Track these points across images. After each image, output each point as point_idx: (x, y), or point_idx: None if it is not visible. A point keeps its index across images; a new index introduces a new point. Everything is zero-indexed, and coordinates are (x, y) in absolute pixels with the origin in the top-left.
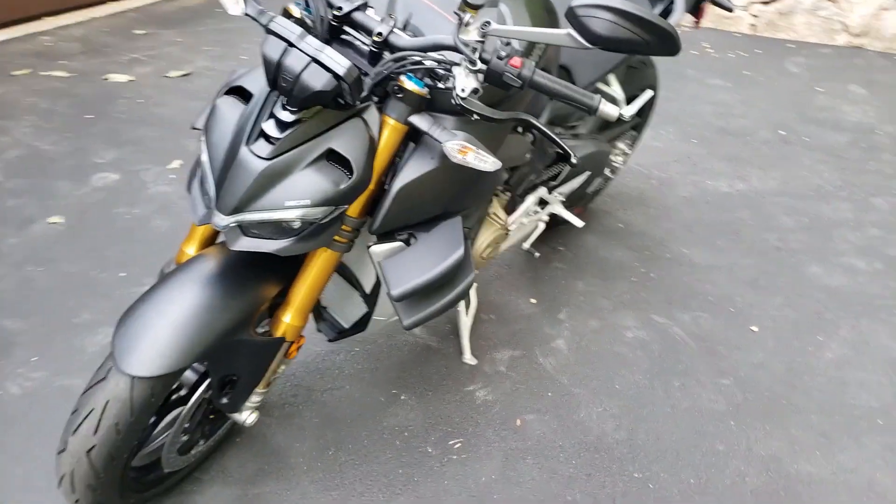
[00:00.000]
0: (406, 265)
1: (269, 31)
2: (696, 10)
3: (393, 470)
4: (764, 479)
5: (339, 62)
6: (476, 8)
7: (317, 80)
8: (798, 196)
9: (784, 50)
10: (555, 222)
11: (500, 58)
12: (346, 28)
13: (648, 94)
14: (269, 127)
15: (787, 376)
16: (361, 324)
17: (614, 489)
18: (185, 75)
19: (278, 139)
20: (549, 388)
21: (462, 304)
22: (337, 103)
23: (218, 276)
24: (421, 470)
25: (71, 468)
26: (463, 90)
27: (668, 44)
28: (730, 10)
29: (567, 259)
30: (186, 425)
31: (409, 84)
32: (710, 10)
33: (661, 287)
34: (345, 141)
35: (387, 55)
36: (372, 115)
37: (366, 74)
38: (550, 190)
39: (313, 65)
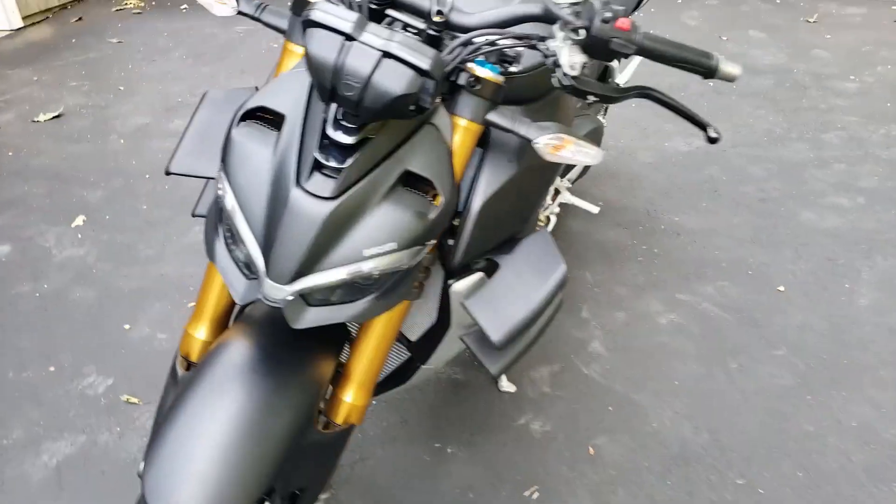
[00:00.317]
0: (498, 300)
1: (312, 24)
2: None
3: None
4: (867, 453)
5: (421, 52)
6: None
7: (396, 80)
8: (754, 144)
9: (675, 5)
10: None
11: (604, 21)
12: (390, 12)
13: (637, 59)
14: (326, 155)
15: (834, 333)
16: (402, 376)
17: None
18: (56, 117)
19: (341, 169)
20: (607, 400)
21: None
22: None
23: (261, 367)
24: None
25: None
26: (572, 66)
27: None
28: None
29: (562, 251)
30: None
31: (483, 72)
32: None
33: (669, 262)
34: (423, 158)
35: (448, 39)
36: (442, 117)
37: None
38: (561, 177)
39: (387, 60)
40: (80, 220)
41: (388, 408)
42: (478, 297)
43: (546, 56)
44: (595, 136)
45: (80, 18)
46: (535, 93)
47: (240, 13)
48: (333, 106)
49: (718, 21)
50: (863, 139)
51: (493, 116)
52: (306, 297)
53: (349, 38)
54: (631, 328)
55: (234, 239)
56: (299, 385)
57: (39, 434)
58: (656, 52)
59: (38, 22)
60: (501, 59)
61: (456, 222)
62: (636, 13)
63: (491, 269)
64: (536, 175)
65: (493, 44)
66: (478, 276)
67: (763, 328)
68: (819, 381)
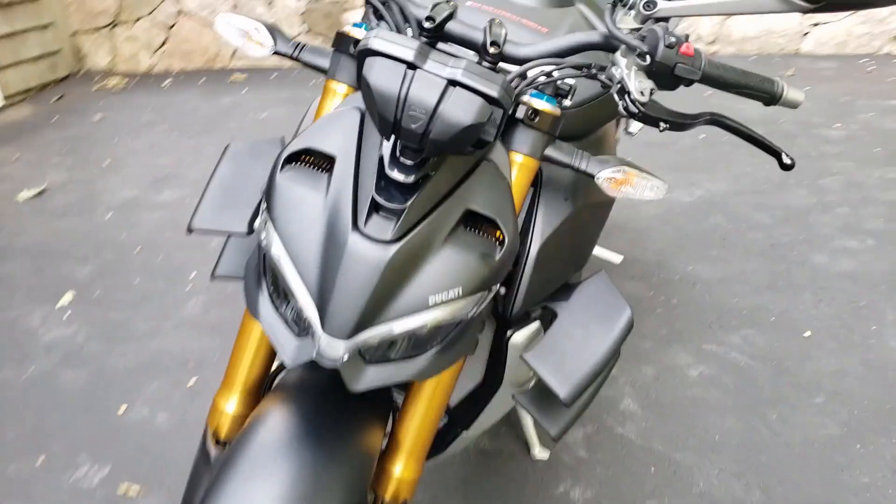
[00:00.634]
0: (561, 352)
1: (370, 53)
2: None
3: None
4: None
5: (489, 79)
6: None
7: (466, 109)
8: (755, 191)
9: None
10: None
11: (668, 46)
12: (441, 46)
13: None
14: (385, 195)
15: (871, 377)
16: (440, 444)
17: None
18: (39, 194)
19: (402, 210)
20: (648, 461)
21: None
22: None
23: (305, 442)
24: None
25: None
26: (642, 92)
27: None
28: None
29: None
30: None
31: (540, 104)
32: None
33: (689, 312)
34: (484, 197)
35: (503, 74)
36: (499, 154)
37: None
38: None
39: (455, 89)
40: (68, 298)
41: None
42: (538, 349)
43: (609, 84)
44: None
45: (60, 97)
46: (586, 128)
47: (277, 53)
48: (388, 144)
49: None
50: (860, 183)
51: (551, 151)
52: (363, 355)
53: (412, 66)
54: (661, 383)
55: (280, 293)
56: (349, 461)
57: None
58: (720, 80)
59: (19, 102)
60: (556, 92)
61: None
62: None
63: (547, 319)
64: (591, 214)
65: (550, 74)
66: (535, 325)
67: (797, 376)
68: (866, 429)
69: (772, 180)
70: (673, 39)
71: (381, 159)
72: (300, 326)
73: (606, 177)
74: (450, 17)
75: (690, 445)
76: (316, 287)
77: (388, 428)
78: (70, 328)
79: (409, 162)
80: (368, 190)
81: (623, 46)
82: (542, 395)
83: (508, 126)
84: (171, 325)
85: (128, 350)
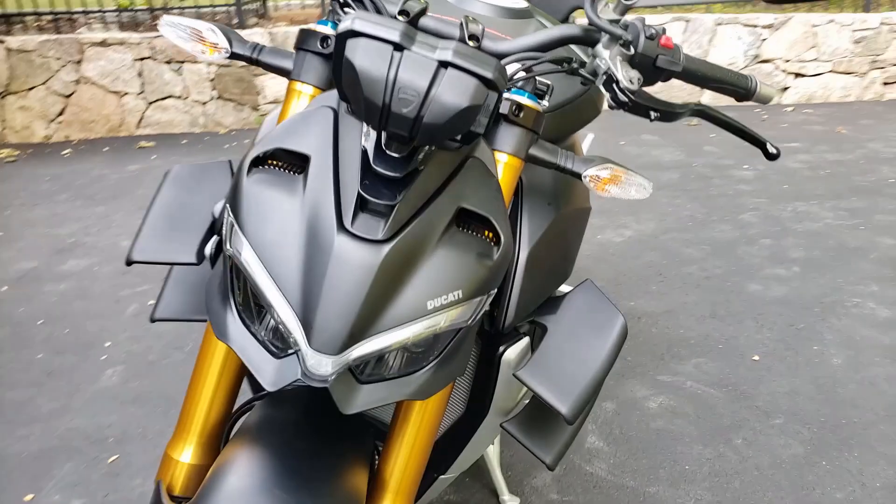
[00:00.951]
0: (556, 367)
1: (353, 34)
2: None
3: None
4: None
5: (482, 60)
6: None
7: (461, 91)
8: (682, 229)
9: None
10: None
11: (649, 37)
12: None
13: (591, 135)
14: (372, 191)
15: (823, 395)
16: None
17: None
18: None
19: (392, 206)
20: (622, 498)
21: None
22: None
23: (284, 490)
24: None
25: None
26: (631, 81)
27: None
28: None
29: None
30: None
31: (523, 100)
32: None
33: (640, 346)
34: (476, 195)
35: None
36: (485, 152)
37: None
38: None
39: (447, 70)
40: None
41: None
42: (531, 366)
43: (591, 79)
44: None
45: None
46: (558, 134)
47: (234, 56)
48: (371, 138)
49: (612, 130)
50: (776, 217)
51: (535, 150)
52: (355, 374)
53: (398, 47)
54: (622, 417)
55: (250, 311)
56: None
57: None
58: (699, 73)
59: None
60: (535, 90)
61: None
62: None
63: (535, 334)
64: (574, 220)
65: (529, 70)
66: (525, 341)
67: (753, 399)
68: (828, 445)
69: (695, 218)
70: (653, 31)
71: (363, 155)
72: (279, 345)
73: (592, 175)
74: (423, 12)
75: (662, 477)
76: (298, 298)
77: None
78: None
79: (396, 155)
80: (352, 187)
81: (605, 38)
82: (531, 421)
83: (491, 124)
84: (84, 401)
85: (32, 432)
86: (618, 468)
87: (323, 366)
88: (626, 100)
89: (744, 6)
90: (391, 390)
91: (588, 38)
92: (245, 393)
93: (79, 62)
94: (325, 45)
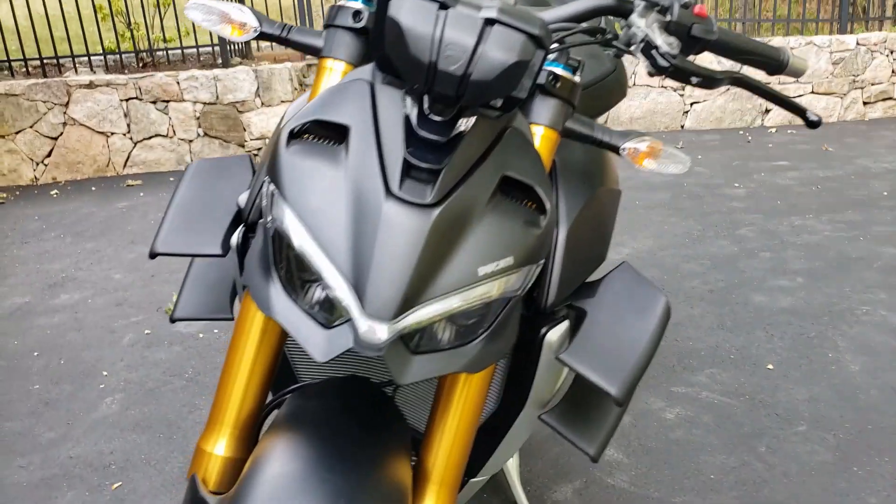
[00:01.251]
0: (600, 349)
1: None
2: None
3: None
4: None
5: (527, 17)
6: None
7: (509, 47)
8: (679, 245)
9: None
10: None
11: (683, 6)
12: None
13: None
14: (418, 155)
15: (844, 401)
16: None
17: None
18: None
19: (439, 170)
20: None
21: None
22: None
23: (328, 483)
24: None
25: None
26: (671, 45)
27: None
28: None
29: None
30: None
31: (559, 71)
32: None
33: None
34: (519, 163)
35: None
36: (523, 124)
37: None
38: None
39: (495, 27)
40: None
41: None
42: (574, 349)
43: (625, 50)
44: None
45: None
46: (587, 115)
47: (262, 36)
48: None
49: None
50: (773, 231)
51: (571, 124)
52: (408, 345)
53: (443, 6)
54: (640, 429)
55: (294, 283)
56: (382, 499)
57: None
58: (732, 45)
59: None
60: (568, 64)
61: None
62: None
63: (575, 319)
64: (607, 201)
65: (562, 41)
66: (566, 324)
67: (773, 407)
68: (857, 451)
69: (692, 235)
70: (686, 0)
71: (406, 121)
72: (326, 316)
73: (630, 148)
74: None
75: (687, 487)
76: (348, 264)
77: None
78: None
79: (440, 118)
80: (396, 153)
81: (640, 7)
82: (571, 411)
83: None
84: (83, 429)
85: (32, 461)
86: (640, 479)
87: (377, 333)
88: (667, 65)
89: None
90: (444, 361)
91: (621, 9)
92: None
93: (66, 104)
94: (357, 19)
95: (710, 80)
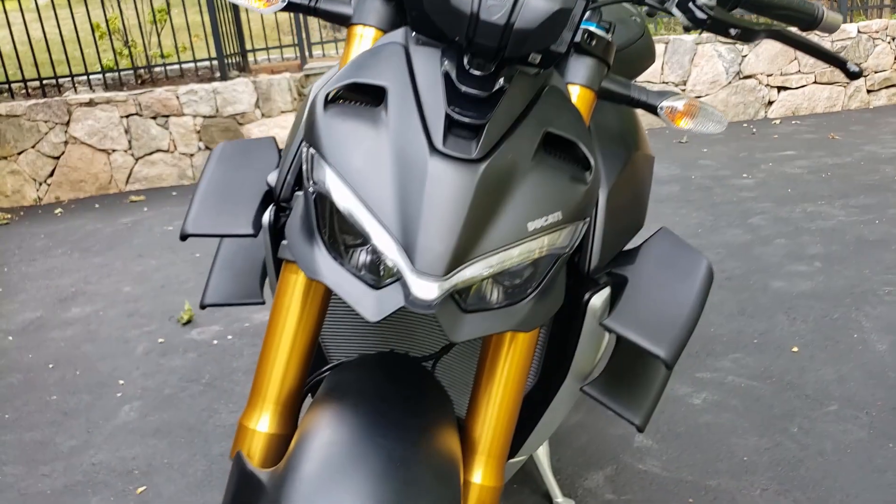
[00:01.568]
0: (645, 314)
1: None
2: None
3: None
4: None
5: None
6: None
7: None
8: (693, 235)
9: None
10: None
11: None
12: None
13: None
14: (460, 110)
15: (874, 380)
16: None
17: None
18: None
19: (482, 125)
20: (682, 492)
21: None
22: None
23: (383, 451)
24: None
25: None
26: None
27: None
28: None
29: None
30: None
31: (592, 29)
32: None
33: None
34: (560, 119)
35: None
36: (560, 82)
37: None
38: None
39: None
40: None
41: None
42: (618, 314)
43: (658, 7)
44: None
45: None
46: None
47: (290, 6)
48: (452, 63)
49: None
50: (786, 218)
51: (607, 84)
52: (459, 304)
53: None
54: (668, 415)
55: (340, 247)
56: (437, 471)
57: None
58: (765, 0)
59: None
60: (600, 24)
61: None
62: None
63: (616, 286)
64: (643, 166)
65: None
66: (608, 290)
67: (801, 388)
68: (891, 427)
69: (704, 225)
70: None
71: (446, 78)
72: (374, 277)
73: (668, 107)
74: None
75: (721, 470)
76: (396, 222)
77: None
78: None
79: (480, 73)
80: (438, 110)
81: None
82: (613, 381)
83: (560, 57)
84: (104, 437)
85: (55, 469)
86: (672, 464)
87: (428, 290)
88: (705, 17)
89: None
90: (496, 320)
91: None
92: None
93: (67, 123)
94: None
95: (748, 33)
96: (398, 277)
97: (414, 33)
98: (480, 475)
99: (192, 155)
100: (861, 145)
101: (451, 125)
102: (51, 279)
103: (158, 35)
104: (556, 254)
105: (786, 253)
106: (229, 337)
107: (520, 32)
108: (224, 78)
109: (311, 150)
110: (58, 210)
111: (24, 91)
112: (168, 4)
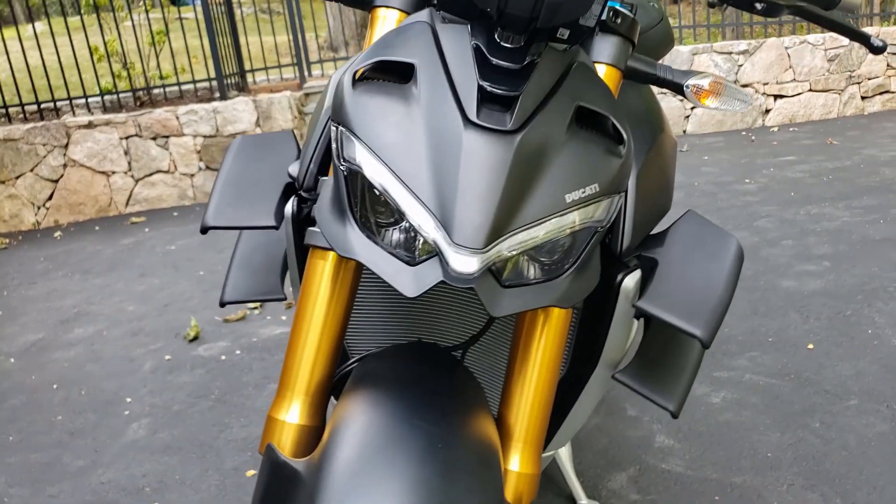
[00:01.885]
0: (679, 293)
1: None
2: None
3: None
4: None
5: None
6: None
7: None
8: None
9: None
10: None
11: None
12: None
13: None
14: (493, 82)
15: (892, 374)
16: None
17: None
18: None
19: (516, 97)
20: (707, 490)
21: None
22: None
23: (421, 439)
24: None
25: None
26: None
27: None
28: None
29: None
30: None
31: (617, 7)
32: None
33: None
34: (591, 93)
35: None
36: (587, 60)
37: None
38: None
39: None
40: None
41: None
42: (651, 295)
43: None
44: None
45: None
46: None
47: None
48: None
49: None
50: (791, 220)
51: (633, 63)
52: (498, 279)
53: None
54: (687, 414)
55: (372, 225)
56: (479, 455)
57: None
58: None
59: None
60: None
61: None
62: None
63: (646, 268)
64: (668, 148)
65: None
66: (639, 272)
67: (820, 384)
68: None
69: None
70: None
71: (476, 51)
72: (408, 255)
73: (694, 85)
74: None
75: (745, 467)
76: (432, 195)
77: None
78: None
79: (511, 46)
80: (469, 83)
81: None
82: (646, 368)
83: (585, 36)
84: (112, 455)
85: (63, 490)
86: (695, 462)
87: (467, 264)
88: None
89: (716, 35)
90: (536, 294)
91: None
92: None
93: (65, 146)
94: None
95: (773, 7)
96: (434, 254)
97: (440, 12)
98: (518, 462)
99: (192, 175)
100: (859, 149)
101: (482, 99)
102: (52, 301)
103: (157, 57)
104: (594, 227)
105: (794, 253)
106: (237, 352)
107: (551, 3)
108: (223, 98)
109: (341, 129)
110: (57, 233)
111: (21, 116)
112: (167, 27)
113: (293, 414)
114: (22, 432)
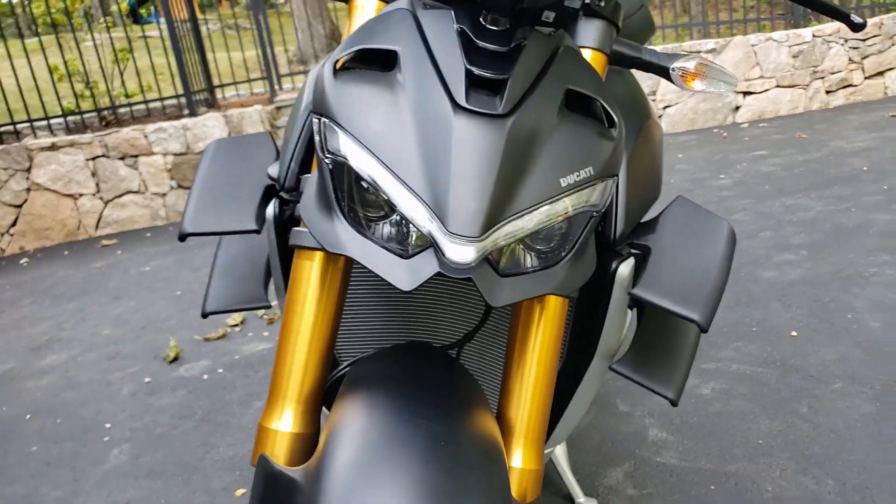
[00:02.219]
0: (674, 279)
1: None
2: None
3: None
4: None
5: None
6: None
7: None
8: None
9: None
10: None
11: None
12: None
13: None
14: (480, 66)
15: (872, 356)
16: None
17: None
18: None
19: (504, 80)
20: (703, 481)
21: None
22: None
23: (424, 440)
24: None
25: None
26: None
27: None
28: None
29: None
30: None
31: None
32: None
33: None
34: (580, 76)
35: None
36: (573, 45)
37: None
38: None
39: None
40: None
41: None
42: (646, 282)
43: None
44: None
45: None
46: None
47: None
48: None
49: None
50: (768, 212)
51: (618, 46)
52: (495, 268)
53: None
54: (678, 407)
55: (360, 219)
56: (484, 451)
57: None
58: None
59: None
60: None
61: None
62: None
63: (638, 257)
64: (655, 134)
65: None
66: (633, 260)
67: (805, 370)
68: (895, 399)
69: None
70: None
71: (461, 35)
72: (400, 248)
73: (680, 68)
74: None
75: (738, 455)
76: (424, 184)
77: None
78: None
79: (497, 28)
80: (456, 68)
81: None
82: (642, 357)
83: (569, 20)
84: (93, 483)
85: None
86: (689, 454)
87: (464, 253)
88: None
89: (684, 35)
90: (534, 282)
91: None
92: None
93: (28, 169)
94: None
95: None
96: (428, 245)
97: None
98: (520, 458)
99: (164, 195)
100: (827, 141)
101: (470, 83)
102: (21, 329)
103: (122, 75)
104: (589, 213)
105: (772, 244)
106: (220, 370)
107: None
108: (192, 114)
109: (324, 120)
110: (23, 260)
111: None
112: (130, 45)
113: (286, 422)
114: None
